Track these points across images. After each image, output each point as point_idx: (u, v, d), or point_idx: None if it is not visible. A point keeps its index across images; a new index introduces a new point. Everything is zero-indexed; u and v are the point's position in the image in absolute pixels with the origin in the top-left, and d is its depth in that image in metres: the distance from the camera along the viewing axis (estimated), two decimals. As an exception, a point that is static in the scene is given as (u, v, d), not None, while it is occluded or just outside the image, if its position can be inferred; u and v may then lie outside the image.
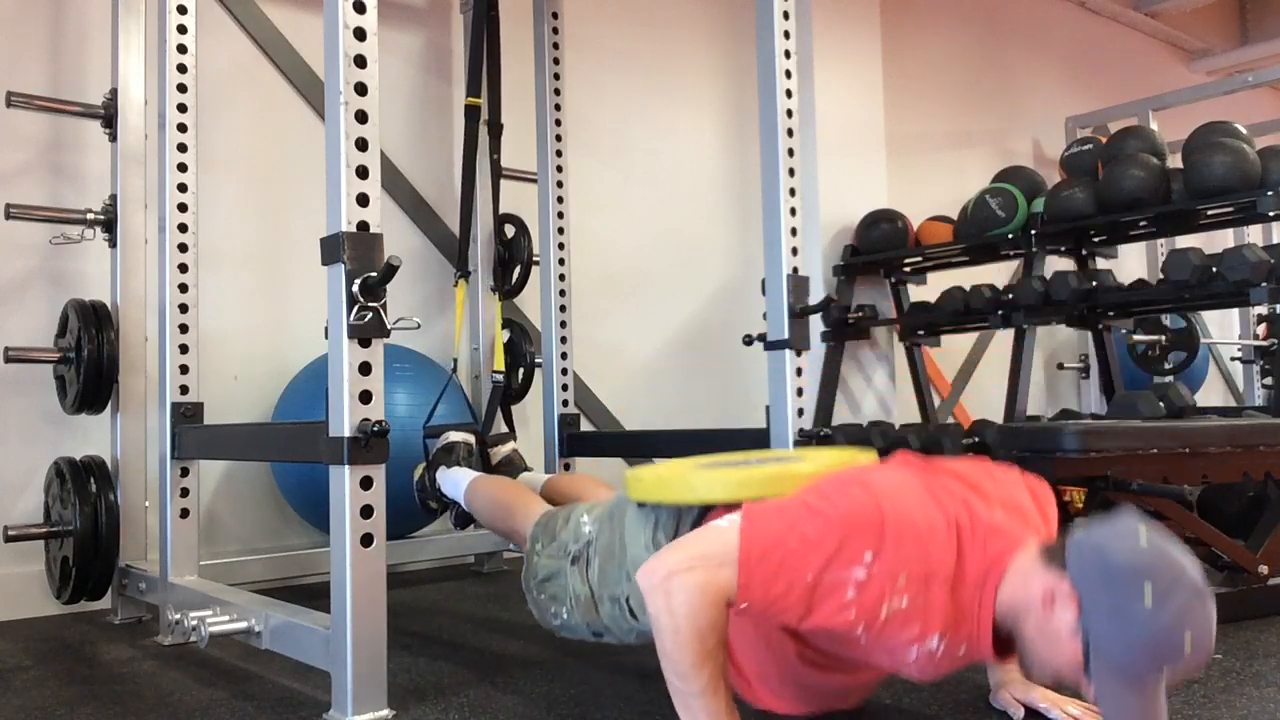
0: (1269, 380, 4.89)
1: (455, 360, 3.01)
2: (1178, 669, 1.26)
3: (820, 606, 1.33)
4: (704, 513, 1.66)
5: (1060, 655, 1.32)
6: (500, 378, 3.21)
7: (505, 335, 3.55)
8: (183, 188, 2.53)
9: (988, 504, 1.44)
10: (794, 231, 2.36)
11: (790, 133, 2.36)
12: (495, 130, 3.37)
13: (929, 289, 4.30)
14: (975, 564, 1.36)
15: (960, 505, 1.40)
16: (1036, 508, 1.53)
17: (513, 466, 2.65)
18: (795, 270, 2.34)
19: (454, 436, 2.52)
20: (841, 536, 1.33)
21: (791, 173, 2.35)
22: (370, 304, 1.75)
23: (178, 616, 2.13)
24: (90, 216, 2.74)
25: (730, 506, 1.54)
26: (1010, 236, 3.75)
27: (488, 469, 2.61)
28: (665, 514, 1.73)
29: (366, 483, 1.75)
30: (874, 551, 1.32)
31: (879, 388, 4.35)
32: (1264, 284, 3.08)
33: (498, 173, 3.35)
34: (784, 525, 1.36)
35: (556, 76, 3.35)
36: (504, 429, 3.14)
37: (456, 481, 2.35)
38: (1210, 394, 6.10)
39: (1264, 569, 2.40)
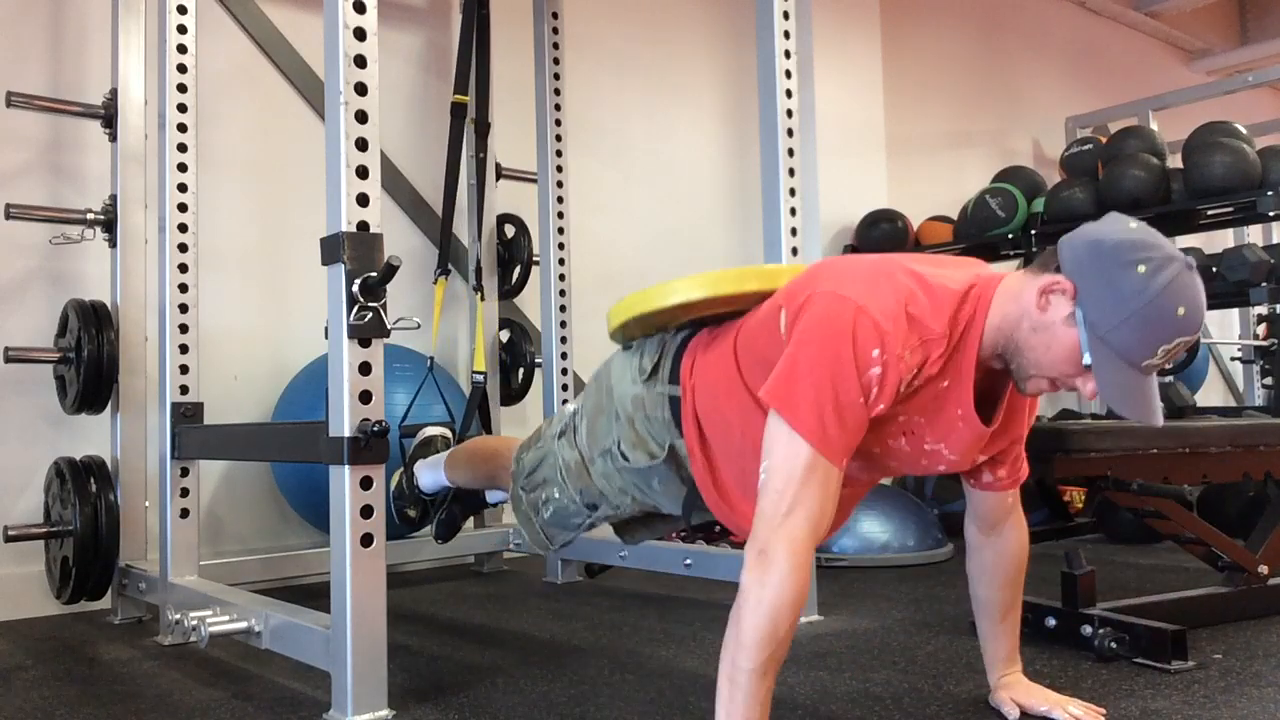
0: (1269, 380, 4.88)
1: (431, 359, 3.00)
2: (1171, 341, 1.32)
3: (872, 409, 1.36)
4: (689, 337, 1.65)
5: (1056, 348, 1.37)
6: (481, 378, 3.21)
7: (505, 335, 3.56)
8: (183, 188, 2.53)
9: (945, 264, 1.50)
10: (794, 231, 2.35)
11: (790, 133, 2.36)
12: (482, 129, 3.37)
13: (929, 289, 4.29)
14: (966, 305, 1.41)
15: (925, 269, 1.44)
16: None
17: None
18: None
19: (430, 431, 2.47)
20: (848, 352, 1.34)
21: (791, 173, 2.35)
22: (370, 304, 1.75)
23: (178, 616, 2.13)
24: (90, 216, 2.74)
25: (711, 330, 1.59)
26: (1010, 236, 3.75)
27: None
28: (650, 343, 1.71)
29: (366, 483, 1.75)
30: (879, 345, 1.34)
31: (879, 388, 4.34)
32: (1264, 284, 3.08)
33: (483, 171, 3.36)
34: (811, 386, 1.34)
35: (556, 76, 3.35)
36: (481, 432, 3.11)
37: (434, 462, 2.28)
38: (1210, 394, 6.10)
39: (1264, 569, 2.39)
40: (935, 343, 1.38)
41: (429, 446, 2.38)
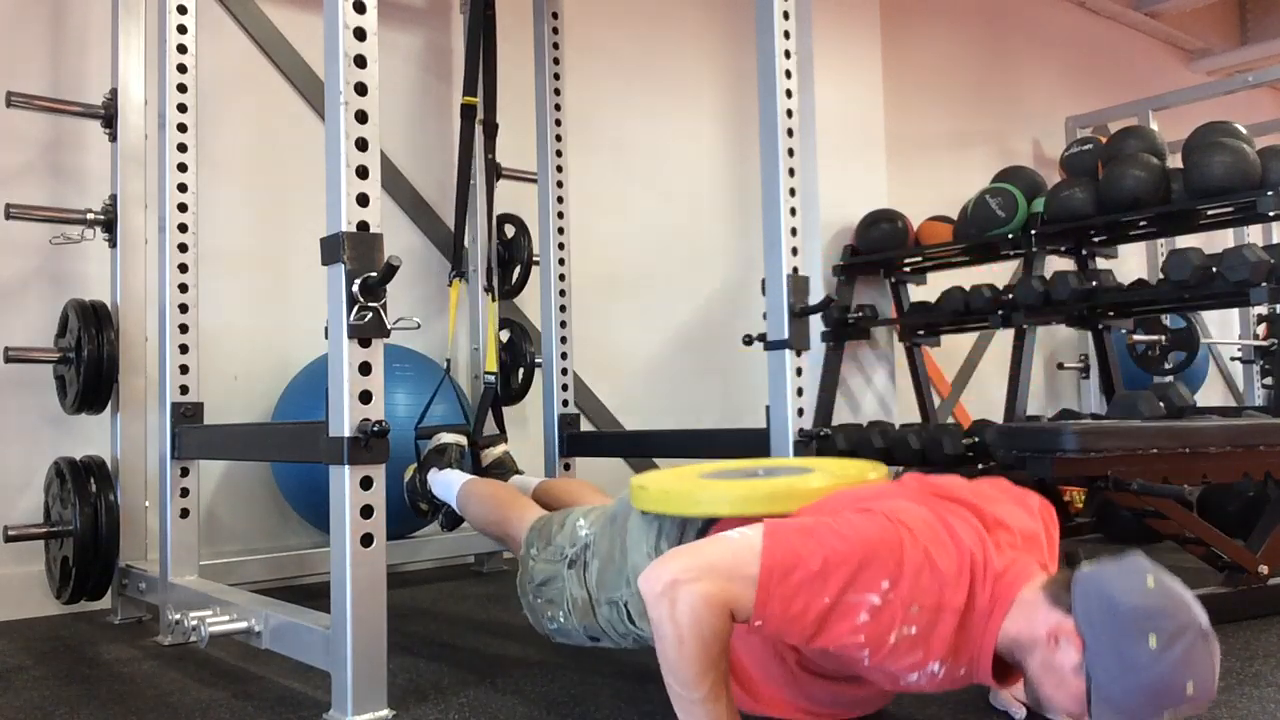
0: (1269, 380, 4.89)
1: (449, 361, 3.00)
2: (1179, 711, 1.27)
3: (832, 629, 1.34)
4: (710, 523, 1.66)
5: (1064, 692, 1.33)
6: (492, 379, 3.20)
7: (505, 335, 3.55)
8: (183, 188, 2.53)
9: (995, 534, 1.46)
10: (794, 231, 2.35)
11: (790, 133, 2.35)
12: (490, 130, 3.37)
13: (929, 289, 4.30)
14: (984, 597, 1.38)
15: (975, 539, 1.41)
16: (1044, 529, 1.56)
17: (504, 469, 2.64)
18: (795, 270, 2.34)
19: (446, 438, 2.51)
20: (862, 561, 1.34)
21: (791, 173, 2.35)
22: (370, 304, 1.75)
23: (178, 616, 2.13)
24: (90, 216, 2.74)
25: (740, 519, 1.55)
26: (1010, 236, 3.75)
27: (479, 471, 2.60)
28: (670, 522, 1.73)
29: (366, 483, 1.75)
30: (891, 580, 1.33)
31: (879, 388, 4.35)
32: (1264, 284, 3.08)
33: (493, 172, 3.35)
34: (808, 546, 1.36)
35: (556, 76, 3.35)
36: (495, 431, 3.12)
37: (448, 484, 2.35)
38: (1210, 394, 6.10)
39: (1264, 569, 2.40)
40: (948, 612, 1.35)
41: (443, 455, 2.44)
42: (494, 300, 3.37)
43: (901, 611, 1.33)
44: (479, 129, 3.35)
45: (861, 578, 1.33)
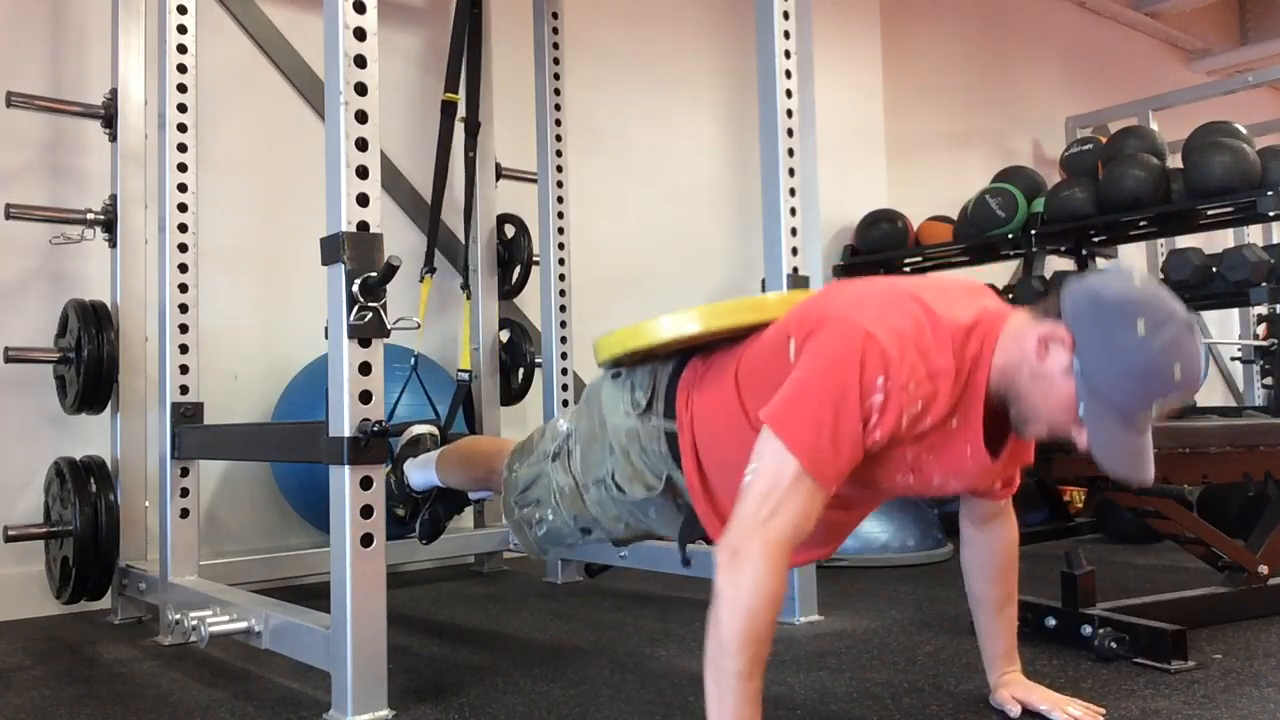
0: (1269, 380, 4.88)
1: (415, 357, 2.99)
2: (1166, 399, 1.31)
3: (867, 439, 1.35)
4: (680, 365, 1.64)
5: (1054, 398, 1.36)
6: (466, 376, 3.21)
7: (505, 335, 3.56)
8: (183, 188, 2.53)
9: (952, 294, 1.47)
10: (794, 231, 2.35)
11: (790, 133, 2.36)
12: (472, 127, 3.38)
13: (929, 289, 4.30)
14: (971, 341, 1.39)
15: (933, 298, 1.43)
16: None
17: None
18: (795, 270, 2.34)
19: (418, 430, 2.47)
20: (853, 377, 1.33)
21: (791, 173, 2.35)
22: (370, 304, 1.75)
23: (178, 616, 2.13)
24: (90, 216, 2.74)
25: (705, 358, 1.58)
26: (1010, 236, 3.75)
27: None
28: (640, 373, 1.69)
29: (366, 483, 1.75)
30: (884, 373, 1.33)
31: (879, 388, 4.34)
32: (1264, 284, 3.08)
33: (472, 170, 3.36)
34: (811, 408, 1.34)
35: (556, 76, 3.35)
36: (465, 431, 3.11)
37: (425, 462, 2.26)
38: (1210, 394, 6.10)
39: (1264, 569, 2.39)
40: (942, 376, 1.36)
41: (417, 445, 2.37)
42: (469, 299, 3.38)
43: (903, 394, 1.34)
44: (460, 126, 3.37)
45: (862, 388, 1.33)
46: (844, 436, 1.33)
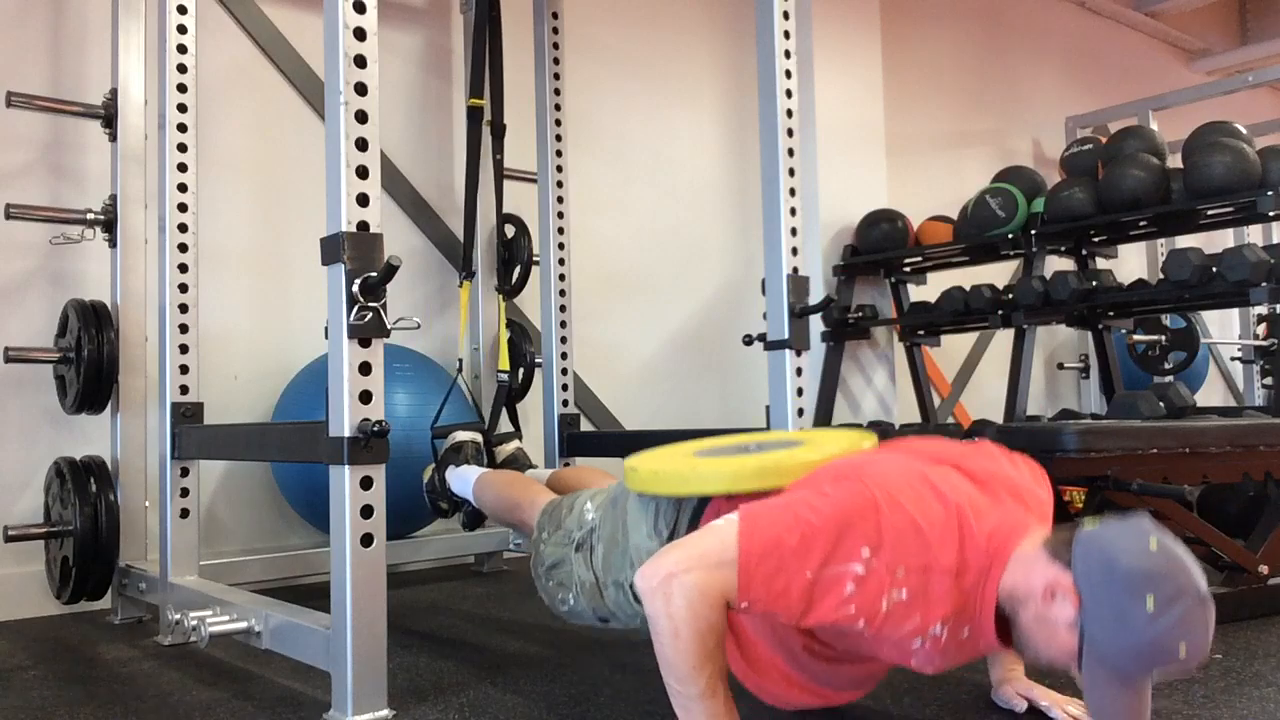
0: (1269, 380, 4.89)
1: (460, 361, 3.02)
2: (1169, 671, 1.28)
3: (819, 603, 1.33)
4: (704, 501, 1.66)
5: (1055, 645, 1.33)
6: (505, 377, 3.23)
7: (506, 335, 3.55)
8: (183, 188, 2.53)
9: (988, 491, 1.44)
10: (794, 231, 2.35)
11: (790, 133, 2.35)
12: (498, 131, 3.38)
13: (929, 289, 4.31)
14: (978, 552, 1.36)
15: (961, 493, 1.40)
16: (1035, 489, 1.54)
17: (518, 465, 2.67)
18: (795, 270, 2.34)
19: (461, 436, 2.53)
20: (838, 532, 1.33)
21: (791, 173, 2.35)
22: (370, 304, 1.74)
23: (178, 616, 2.13)
24: (90, 216, 2.74)
25: (730, 498, 1.54)
26: (1010, 236, 3.75)
27: (493, 467, 2.62)
28: (665, 501, 1.74)
29: (366, 483, 1.75)
30: (871, 547, 1.32)
31: (879, 388, 4.35)
32: (1264, 284, 3.08)
33: (500, 173, 3.36)
34: (782, 524, 1.35)
35: (556, 76, 3.35)
36: (509, 428, 3.15)
37: (465, 478, 2.38)
38: (1210, 394, 6.10)
39: (1264, 569, 2.40)
40: (938, 573, 1.33)
41: (459, 453, 2.47)
42: (505, 300, 3.39)
43: (888, 577, 1.32)
44: (486, 130, 3.37)
45: (841, 548, 1.32)
46: (792, 572, 1.32)
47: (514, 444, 2.73)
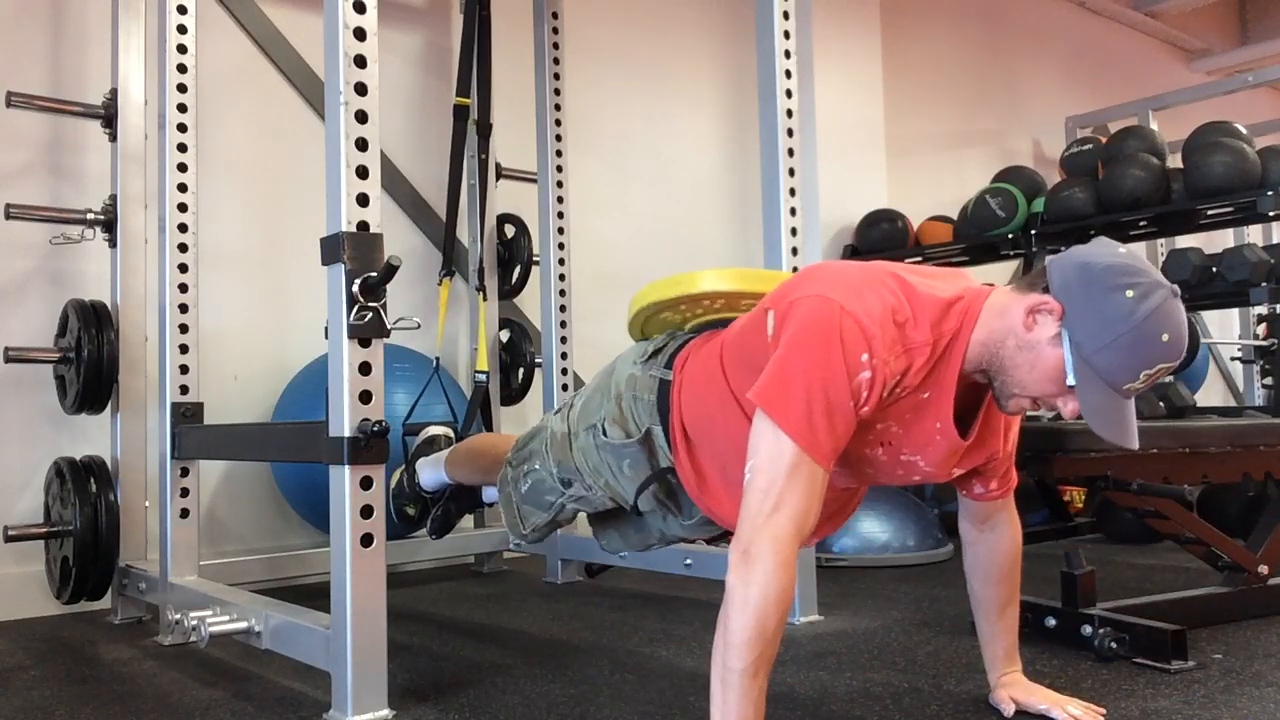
0: (1269, 380, 4.88)
1: (437, 359, 3.00)
2: (1154, 366, 1.34)
3: (857, 414, 1.37)
4: (698, 329, 1.71)
5: (1041, 367, 1.39)
6: (483, 378, 3.22)
7: (505, 335, 3.56)
8: (183, 188, 2.53)
9: (934, 276, 1.50)
10: (794, 231, 2.35)
11: (790, 133, 2.36)
12: (483, 130, 3.39)
13: (929, 289, 4.30)
14: (950, 322, 1.42)
15: (914, 273, 1.47)
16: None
17: None
18: (795, 270, 2.34)
19: (433, 431, 2.49)
20: (838, 353, 1.35)
21: (791, 173, 2.35)
22: (370, 304, 1.75)
23: (178, 616, 2.13)
24: (90, 216, 2.74)
25: (705, 335, 1.61)
26: (1010, 236, 3.75)
27: None
28: (661, 337, 1.77)
29: (366, 483, 1.75)
30: (869, 351, 1.35)
31: (879, 388, 4.34)
32: (1264, 284, 3.08)
33: (485, 172, 3.37)
34: (800, 384, 1.35)
35: (556, 76, 3.35)
36: (482, 429, 3.12)
37: (435, 460, 2.30)
38: (1210, 394, 6.10)
39: (1264, 569, 2.39)
40: (918, 350, 1.39)
41: (432, 445, 2.39)
42: (484, 300, 3.39)
43: (885, 368, 1.36)
44: (472, 129, 3.38)
45: (850, 366, 1.35)
46: (837, 415, 1.35)
47: None
